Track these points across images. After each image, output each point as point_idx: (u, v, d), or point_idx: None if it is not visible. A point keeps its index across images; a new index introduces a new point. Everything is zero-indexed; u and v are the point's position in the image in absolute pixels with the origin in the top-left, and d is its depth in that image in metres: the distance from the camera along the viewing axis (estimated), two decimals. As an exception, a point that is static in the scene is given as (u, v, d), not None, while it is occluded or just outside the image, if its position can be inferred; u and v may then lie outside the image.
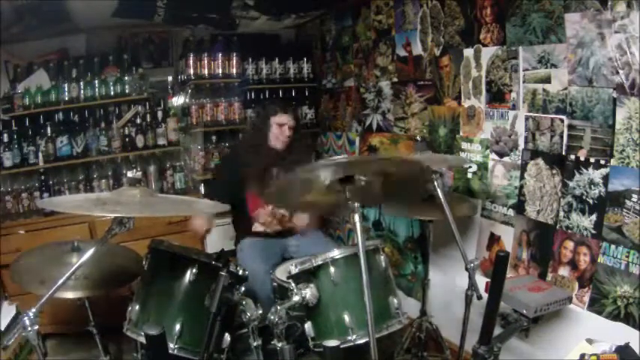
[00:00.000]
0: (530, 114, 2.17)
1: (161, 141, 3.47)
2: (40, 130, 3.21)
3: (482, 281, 1.90)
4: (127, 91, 3.37)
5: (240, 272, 1.75)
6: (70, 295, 1.86)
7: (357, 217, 1.56)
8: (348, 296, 1.80)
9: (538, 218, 2.18)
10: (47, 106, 3.21)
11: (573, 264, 2.02)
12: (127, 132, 3.40)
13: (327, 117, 3.84)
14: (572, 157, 1.99)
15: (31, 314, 1.44)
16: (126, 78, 3.37)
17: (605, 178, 1.86)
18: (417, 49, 2.82)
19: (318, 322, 1.81)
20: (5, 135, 3.11)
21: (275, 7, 3.36)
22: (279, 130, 2.54)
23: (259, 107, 2.69)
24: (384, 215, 3.24)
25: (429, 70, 2.75)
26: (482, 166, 2.46)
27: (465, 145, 2.56)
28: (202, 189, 3.61)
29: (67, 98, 3.25)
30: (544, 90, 2.09)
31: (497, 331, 1.75)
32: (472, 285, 1.91)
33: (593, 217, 1.92)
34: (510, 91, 2.25)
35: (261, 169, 2.51)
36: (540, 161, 2.14)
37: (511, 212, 2.32)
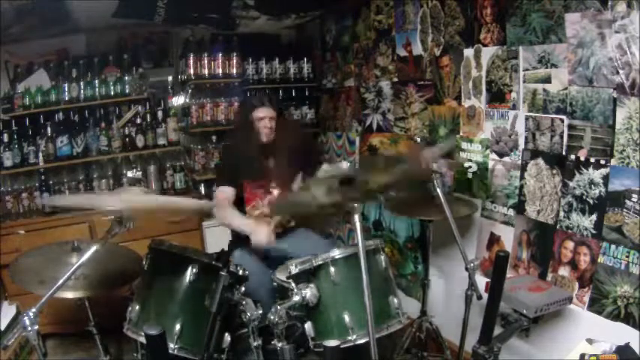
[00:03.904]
0: (531, 114, 2.17)
1: (161, 141, 3.48)
2: (40, 130, 3.21)
3: (482, 281, 1.90)
4: (127, 91, 3.37)
5: (240, 272, 1.75)
6: (70, 295, 1.86)
7: (357, 217, 1.56)
8: (348, 296, 1.80)
9: (538, 218, 2.18)
10: (47, 106, 3.21)
11: (573, 264, 2.02)
12: (127, 132, 3.41)
13: (327, 117, 3.84)
14: (573, 157, 1.99)
15: (31, 314, 1.44)
16: (126, 78, 3.37)
17: (606, 178, 1.86)
18: (417, 49, 2.82)
19: (318, 322, 1.81)
20: (5, 135, 3.11)
21: (275, 7, 3.37)
22: (260, 123, 2.55)
23: (241, 104, 2.69)
24: (384, 215, 3.24)
25: (429, 70, 2.75)
26: (483, 166, 2.46)
27: (465, 145, 2.55)
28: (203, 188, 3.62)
29: (67, 98, 3.25)
30: (544, 90, 2.08)
31: (497, 331, 1.75)
32: (472, 285, 1.91)
33: (594, 217, 1.92)
34: (510, 91, 2.25)
35: (255, 164, 2.53)
36: (540, 161, 2.14)
37: (511, 212, 2.32)
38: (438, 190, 1.96)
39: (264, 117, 2.55)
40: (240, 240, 2.50)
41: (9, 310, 2.58)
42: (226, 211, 2.50)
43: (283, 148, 2.57)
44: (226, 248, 2.58)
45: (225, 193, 2.53)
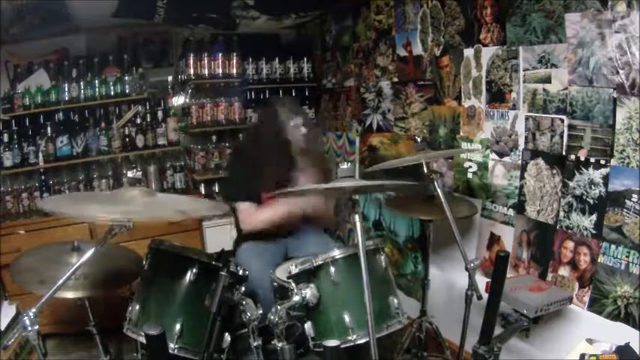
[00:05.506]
0: (531, 114, 2.17)
1: (161, 141, 3.48)
2: (40, 130, 3.21)
3: (482, 281, 1.90)
4: (127, 91, 3.38)
5: (240, 272, 1.75)
6: (70, 295, 1.86)
7: (357, 217, 1.56)
8: (348, 296, 1.80)
9: (538, 218, 2.18)
10: (47, 106, 3.22)
11: (573, 264, 2.02)
12: (127, 132, 3.41)
13: (327, 117, 3.84)
14: (573, 157, 1.99)
15: (31, 314, 1.44)
16: (126, 78, 3.37)
17: (606, 178, 1.86)
18: (417, 49, 2.82)
19: (318, 322, 1.81)
20: (5, 135, 3.12)
21: (275, 7, 3.37)
22: (297, 130, 2.50)
23: (270, 108, 2.57)
24: (384, 215, 3.24)
25: (429, 70, 2.75)
26: (483, 166, 2.46)
27: (465, 145, 2.55)
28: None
29: (67, 98, 3.26)
30: (544, 90, 2.09)
31: (498, 331, 1.75)
32: (472, 285, 1.91)
33: (594, 217, 1.92)
34: (510, 91, 2.25)
35: (284, 167, 2.47)
36: (540, 161, 2.14)
37: (511, 212, 2.32)
38: (438, 190, 1.96)
39: (300, 124, 2.45)
40: (244, 238, 2.50)
41: (9, 310, 2.58)
42: (258, 215, 2.42)
43: (309, 157, 2.48)
44: (227, 248, 2.56)
45: (248, 208, 2.43)
